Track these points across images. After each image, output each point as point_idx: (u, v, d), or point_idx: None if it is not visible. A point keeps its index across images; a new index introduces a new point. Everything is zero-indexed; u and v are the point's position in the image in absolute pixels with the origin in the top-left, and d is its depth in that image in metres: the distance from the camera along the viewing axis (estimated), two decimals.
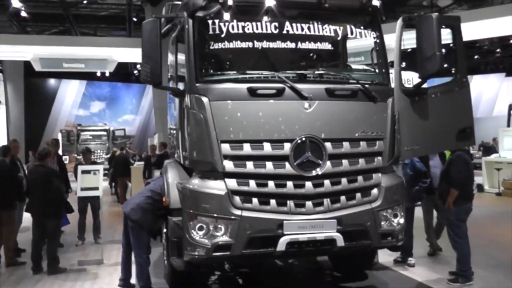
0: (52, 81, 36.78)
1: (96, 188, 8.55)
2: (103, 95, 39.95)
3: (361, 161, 5.55)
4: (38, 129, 33.15)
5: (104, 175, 11.04)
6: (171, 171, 6.09)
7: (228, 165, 5.22)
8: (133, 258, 6.40)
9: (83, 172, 8.61)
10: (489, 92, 36.88)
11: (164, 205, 5.93)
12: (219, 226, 5.19)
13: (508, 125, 20.51)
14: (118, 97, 40.50)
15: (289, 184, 5.27)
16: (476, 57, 32.13)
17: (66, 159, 19.75)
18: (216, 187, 5.23)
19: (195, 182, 5.36)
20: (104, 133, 31.32)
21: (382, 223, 5.60)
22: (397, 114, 5.80)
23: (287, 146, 5.27)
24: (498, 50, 30.98)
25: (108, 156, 24.97)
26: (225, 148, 5.22)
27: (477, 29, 17.86)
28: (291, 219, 5.24)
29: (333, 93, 5.46)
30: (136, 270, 6.26)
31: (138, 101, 41.00)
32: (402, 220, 5.77)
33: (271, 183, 5.25)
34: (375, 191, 5.61)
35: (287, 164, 5.27)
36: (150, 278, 6.28)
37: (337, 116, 5.50)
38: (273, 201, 5.25)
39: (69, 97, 37.77)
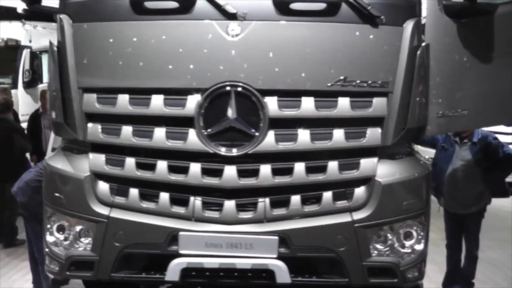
0: None
1: None
2: None
3: (337, 133, 3.03)
4: None
5: None
6: None
7: (94, 131, 3.11)
8: None
9: None
10: None
11: None
12: (82, 229, 3.18)
13: None
14: None
15: (194, 168, 3.01)
16: None
17: None
18: (74, 166, 3.17)
19: (53, 157, 3.39)
20: None
21: (373, 248, 3.09)
22: (421, 50, 3.11)
23: (193, 101, 2.97)
24: None
25: None
26: (89, 101, 3.10)
27: None
28: (194, 229, 3.01)
29: (288, 7, 2.97)
30: (40, 269, 4.56)
31: None
32: (420, 246, 3.19)
33: (161, 165, 3.03)
34: (360, 191, 3.08)
35: (191, 132, 2.99)
36: None
37: (293, 49, 3.00)
38: (163, 196, 3.05)
39: None
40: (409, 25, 3.07)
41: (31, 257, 4.69)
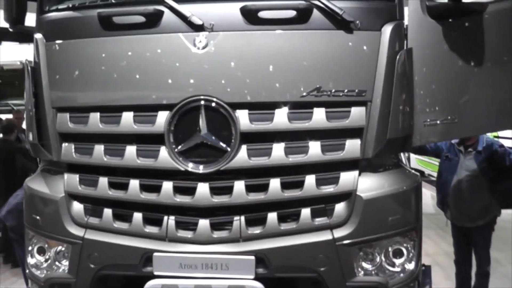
0: None
1: None
2: None
3: (313, 146, 2.87)
4: None
5: None
6: None
7: (67, 151, 3.07)
8: None
9: None
10: None
11: None
12: (61, 251, 3.14)
13: None
14: None
15: (166, 186, 2.91)
16: None
17: None
18: (51, 187, 3.14)
19: (32, 179, 3.37)
20: None
21: (359, 267, 2.91)
22: (402, 55, 2.93)
23: (162, 117, 2.89)
24: None
25: None
26: (63, 120, 3.07)
27: None
28: (168, 250, 2.91)
29: (256, 15, 2.86)
30: None
31: None
32: (411, 264, 2.98)
33: (133, 184, 2.96)
34: (341, 206, 2.90)
35: (162, 150, 2.90)
36: None
37: (263, 60, 2.88)
38: (137, 216, 2.97)
39: None
40: (387, 30, 2.90)
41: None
